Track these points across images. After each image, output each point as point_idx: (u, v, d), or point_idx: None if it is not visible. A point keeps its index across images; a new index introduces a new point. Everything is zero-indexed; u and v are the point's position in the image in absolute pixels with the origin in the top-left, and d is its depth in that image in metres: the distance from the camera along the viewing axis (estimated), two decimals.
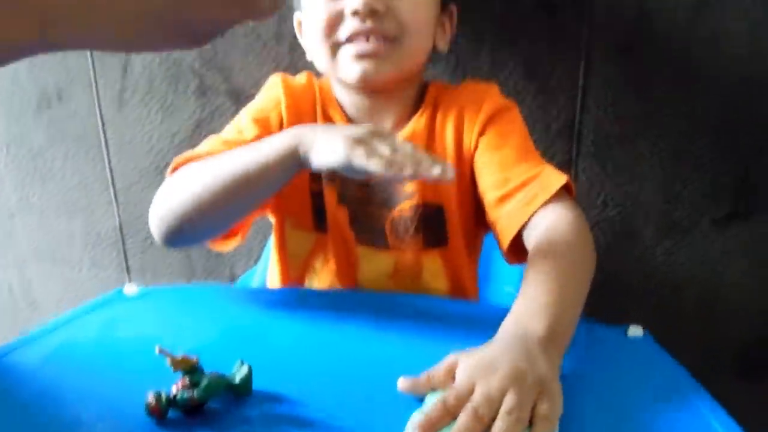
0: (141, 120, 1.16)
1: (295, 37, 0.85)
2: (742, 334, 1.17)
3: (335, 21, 0.71)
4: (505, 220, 0.71)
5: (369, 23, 0.69)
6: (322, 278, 0.82)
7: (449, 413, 0.44)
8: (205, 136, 0.79)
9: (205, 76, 1.12)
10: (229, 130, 0.77)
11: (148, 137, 1.17)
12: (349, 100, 0.80)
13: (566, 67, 1.03)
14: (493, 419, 0.44)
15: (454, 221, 0.78)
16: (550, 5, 0.99)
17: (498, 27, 1.02)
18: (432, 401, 0.46)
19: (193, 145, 0.79)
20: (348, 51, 0.72)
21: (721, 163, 1.05)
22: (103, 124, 1.18)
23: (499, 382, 0.46)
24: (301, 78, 0.83)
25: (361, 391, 0.50)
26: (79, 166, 1.22)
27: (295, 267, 0.83)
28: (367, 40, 0.71)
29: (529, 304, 0.56)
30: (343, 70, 0.74)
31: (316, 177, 0.78)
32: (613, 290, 1.15)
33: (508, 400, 0.45)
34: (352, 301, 0.71)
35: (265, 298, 0.73)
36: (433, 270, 0.79)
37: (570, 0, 0.99)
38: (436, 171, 0.53)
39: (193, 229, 0.67)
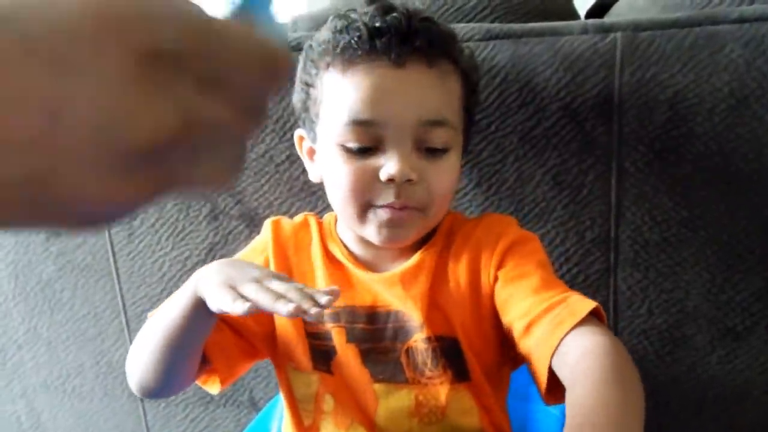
0: (152, 247, 1.11)
1: None
2: None
3: (366, 180, 0.68)
4: (534, 351, 0.65)
5: (403, 198, 0.68)
6: (338, 421, 0.76)
7: None
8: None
9: (216, 201, 1.07)
10: None
11: (159, 264, 1.12)
12: (353, 236, 0.78)
13: (598, 174, 0.97)
14: None
15: (471, 355, 0.73)
16: (576, 114, 0.94)
17: (522, 140, 0.97)
18: None
19: None
20: (379, 216, 0.70)
21: None
22: (113, 254, 1.13)
23: None
24: (298, 218, 0.82)
25: None
26: (88, 295, 1.17)
27: (306, 411, 0.79)
28: (400, 209, 0.68)
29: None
30: (368, 231, 0.71)
31: (313, 323, 0.76)
32: (666, 401, 1.07)
33: None
34: None
35: None
36: (461, 406, 0.74)
37: (596, 107, 0.94)
38: (323, 300, 0.55)
39: (151, 382, 0.71)
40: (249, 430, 0.93)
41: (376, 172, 0.67)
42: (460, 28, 0.94)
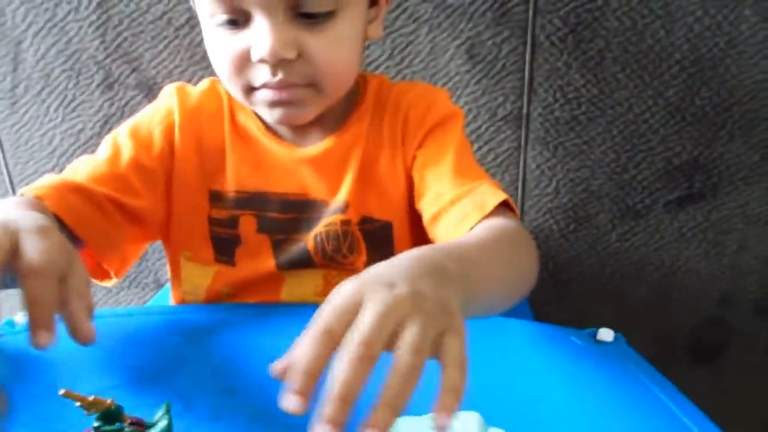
0: (39, 118, 1.02)
1: None
2: (695, 316, 1.15)
3: (242, 61, 0.59)
4: (441, 240, 0.62)
5: (280, 75, 0.58)
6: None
7: (332, 341, 0.35)
8: None
9: (110, 68, 0.98)
10: (105, 148, 0.66)
11: (49, 138, 1.04)
12: None
13: (512, 48, 0.95)
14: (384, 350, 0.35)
15: (402, 240, 0.69)
16: None
17: (437, 8, 0.92)
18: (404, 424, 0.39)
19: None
20: (262, 96, 0.61)
21: (673, 145, 1.01)
22: None
23: (394, 300, 0.36)
24: (203, 84, 0.71)
25: None
26: None
27: (193, 296, 0.72)
28: (282, 88, 0.59)
29: (448, 245, 0.48)
30: (260, 111, 0.64)
31: (219, 204, 0.68)
32: (569, 277, 1.11)
33: (411, 328, 0.35)
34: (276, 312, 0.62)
35: (176, 317, 0.63)
36: None
37: None
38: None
39: None
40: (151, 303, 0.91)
41: (248, 51, 0.58)
42: None
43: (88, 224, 0.60)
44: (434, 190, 0.63)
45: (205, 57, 0.96)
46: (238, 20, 0.57)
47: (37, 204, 0.57)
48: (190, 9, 0.94)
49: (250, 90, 0.61)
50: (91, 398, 0.41)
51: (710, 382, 1.20)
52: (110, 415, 0.42)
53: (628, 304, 1.14)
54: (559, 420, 0.46)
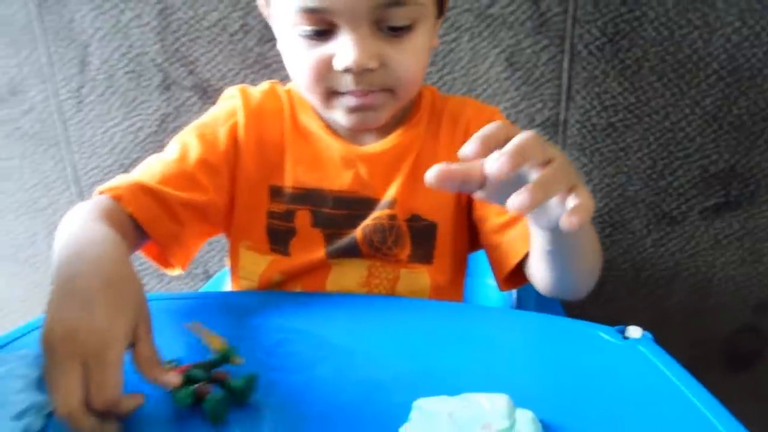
0: (102, 116, 1.09)
1: (265, 26, 0.78)
2: (730, 323, 1.16)
3: (325, 69, 0.63)
4: (506, 247, 0.67)
5: (364, 84, 0.63)
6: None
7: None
8: (172, 132, 0.74)
9: (168, 71, 1.05)
10: (174, 148, 0.71)
11: (110, 135, 1.10)
12: None
13: (551, 56, 0.98)
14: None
15: (445, 240, 0.73)
16: None
17: (478, 17, 0.96)
18: (419, 410, 0.44)
19: (159, 142, 0.74)
20: (343, 102, 0.66)
21: (710, 153, 1.02)
22: (62, 122, 1.11)
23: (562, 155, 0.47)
24: (263, 86, 0.76)
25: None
26: (38, 165, 1.16)
27: (248, 281, 0.76)
28: (365, 94, 0.64)
29: None
30: (336, 116, 0.68)
31: (278, 199, 0.73)
32: (603, 281, 1.13)
33: (563, 162, 0.46)
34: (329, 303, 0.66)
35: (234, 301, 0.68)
36: (414, 286, 0.73)
37: None
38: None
39: None
40: (202, 291, 0.96)
41: (332, 60, 0.62)
42: None
43: (158, 224, 0.65)
44: None
45: (257, 61, 1.02)
46: (324, 31, 0.62)
47: (113, 210, 0.62)
48: (243, 16, 1.00)
49: (330, 95, 0.66)
50: (213, 335, 0.47)
51: (746, 388, 1.20)
52: (224, 357, 0.47)
53: (663, 309, 1.15)
54: (583, 409, 0.48)
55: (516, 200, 0.43)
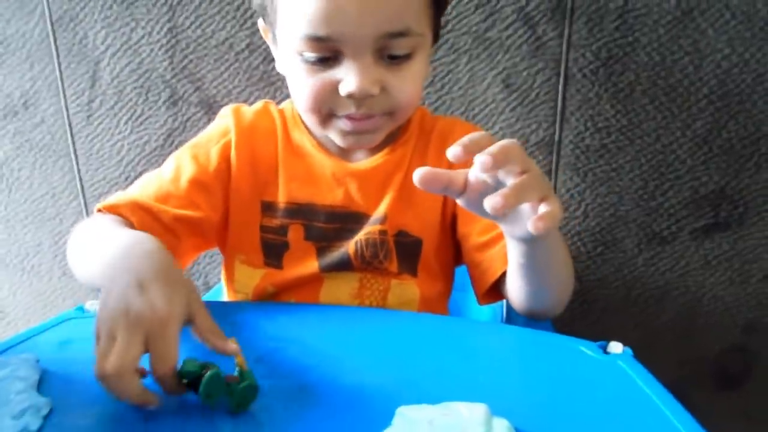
0: (111, 130, 1.13)
1: (268, 47, 0.81)
2: (720, 343, 1.18)
3: (327, 93, 0.66)
4: (485, 265, 0.71)
5: (365, 109, 0.67)
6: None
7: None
8: (178, 146, 0.77)
9: (176, 87, 1.08)
10: (169, 167, 0.74)
11: (118, 148, 1.14)
12: None
13: (545, 79, 1.01)
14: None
15: (429, 255, 0.76)
16: (529, 18, 0.97)
17: (476, 41, 0.99)
18: (401, 416, 0.46)
19: (165, 155, 0.77)
20: (342, 125, 0.69)
21: (700, 175, 1.05)
22: (72, 135, 1.14)
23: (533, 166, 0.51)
24: (257, 106, 0.79)
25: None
26: (47, 175, 1.19)
27: (242, 295, 0.79)
28: (363, 119, 0.68)
29: None
30: (333, 136, 0.71)
31: (270, 214, 0.75)
32: (594, 299, 1.15)
33: (536, 173, 0.50)
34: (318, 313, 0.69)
35: (229, 311, 0.70)
36: (403, 296, 0.77)
37: (549, 12, 0.97)
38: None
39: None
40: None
41: (335, 85, 0.65)
42: None
43: (156, 236, 0.69)
44: (484, 222, 0.71)
45: (261, 79, 1.05)
46: (327, 58, 0.65)
47: (123, 222, 0.67)
48: (249, 35, 1.04)
49: (329, 117, 0.69)
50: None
51: (734, 407, 1.22)
52: (240, 372, 0.49)
53: (653, 327, 1.17)
54: (560, 420, 0.49)
55: (491, 201, 0.47)
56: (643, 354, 0.59)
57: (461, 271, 0.83)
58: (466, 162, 0.51)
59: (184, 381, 0.49)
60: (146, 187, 0.72)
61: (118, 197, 0.71)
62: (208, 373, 0.48)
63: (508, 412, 0.47)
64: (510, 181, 0.50)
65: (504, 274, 0.69)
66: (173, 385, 0.48)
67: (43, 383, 0.51)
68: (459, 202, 0.55)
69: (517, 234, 0.58)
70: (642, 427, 0.49)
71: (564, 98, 1.02)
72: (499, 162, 0.48)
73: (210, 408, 0.48)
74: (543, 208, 0.50)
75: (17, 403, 0.46)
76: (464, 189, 0.54)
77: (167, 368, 0.47)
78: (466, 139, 0.49)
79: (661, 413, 0.50)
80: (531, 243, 0.59)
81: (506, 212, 0.51)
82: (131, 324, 0.47)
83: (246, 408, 0.49)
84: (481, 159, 0.48)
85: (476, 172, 0.52)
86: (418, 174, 0.51)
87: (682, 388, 0.57)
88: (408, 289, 0.76)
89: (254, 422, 0.48)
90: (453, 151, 0.49)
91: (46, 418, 0.46)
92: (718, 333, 1.16)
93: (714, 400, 1.21)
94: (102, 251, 0.60)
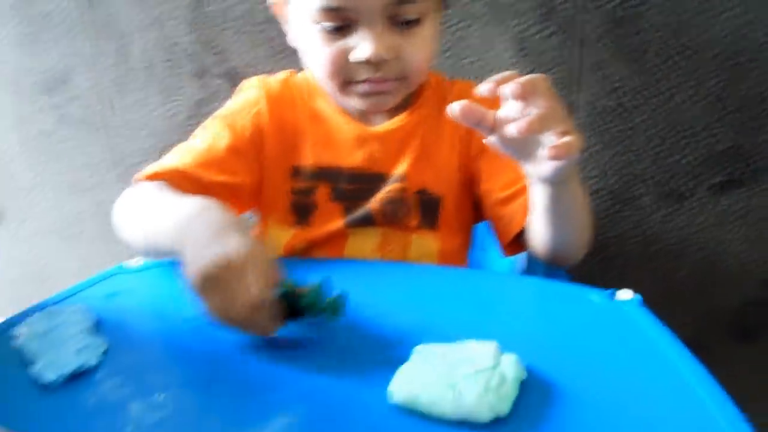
0: (141, 102, 1.18)
1: None
2: (738, 297, 1.19)
3: (344, 60, 0.71)
4: (508, 218, 0.75)
5: (381, 73, 0.71)
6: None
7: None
8: (205, 116, 0.81)
9: (201, 59, 1.13)
10: (204, 136, 0.78)
11: (148, 120, 1.19)
12: None
13: (559, 42, 1.03)
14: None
15: (449, 211, 0.80)
16: None
17: (488, 6, 1.02)
18: (418, 353, 0.50)
19: (194, 126, 0.81)
20: (359, 90, 0.73)
21: (716, 132, 1.06)
22: (108, 108, 1.19)
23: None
24: (281, 75, 0.84)
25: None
26: (84, 147, 1.25)
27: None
28: (380, 82, 0.72)
29: None
30: (352, 102, 0.75)
31: (299, 177, 0.80)
32: (613, 256, 1.18)
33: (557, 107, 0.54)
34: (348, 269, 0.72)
35: None
36: (423, 250, 0.81)
37: None
38: None
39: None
40: None
41: (351, 52, 0.70)
42: None
43: None
44: (505, 178, 0.75)
45: (281, 50, 1.09)
46: (342, 27, 0.70)
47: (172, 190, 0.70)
48: (268, 8, 1.07)
49: (347, 83, 0.73)
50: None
51: (753, 361, 1.24)
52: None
53: (671, 283, 1.19)
54: (565, 358, 0.52)
55: (517, 125, 0.52)
56: (662, 308, 0.61)
57: (481, 230, 0.87)
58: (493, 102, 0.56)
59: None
60: (185, 156, 0.76)
61: (159, 165, 0.75)
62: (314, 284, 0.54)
63: (517, 349, 0.50)
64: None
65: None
66: (278, 311, 0.53)
67: (97, 328, 0.57)
68: (489, 139, 0.59)
69: (542, 173, 0.60)
70: (644, 368, 0.51)
71: (578, 61, 1.04)
72: (527, 91, 0.53)
73: (313, 317, 0.54)
74: (564, 140, 0.53)
75: (76, 342, 0.51)
76: (494, 127, 0.57)
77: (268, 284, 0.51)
78: (496, 76, 0.54)
79: (663, 355, 0.53)
80: (555, 186, 0.63)
81: (530, 138, 0.55)
82: (239, 265, 0.51)
83: (341, 314, 0.55)
84: (511, 87, 0.52)
85: (505, 111, 0.56)
86: (456, 106, 0.55)
87: (701, 342, 0.58)
88: (428, 242, 0.80)
89: (296, 354, 0.54)
90: (483, 88, 0.54)
91: (103, 355, 0.52)
92: (736, 287, 1.18)
93: (733, 354, 1.23)
94: (166, 215, 0.62)
